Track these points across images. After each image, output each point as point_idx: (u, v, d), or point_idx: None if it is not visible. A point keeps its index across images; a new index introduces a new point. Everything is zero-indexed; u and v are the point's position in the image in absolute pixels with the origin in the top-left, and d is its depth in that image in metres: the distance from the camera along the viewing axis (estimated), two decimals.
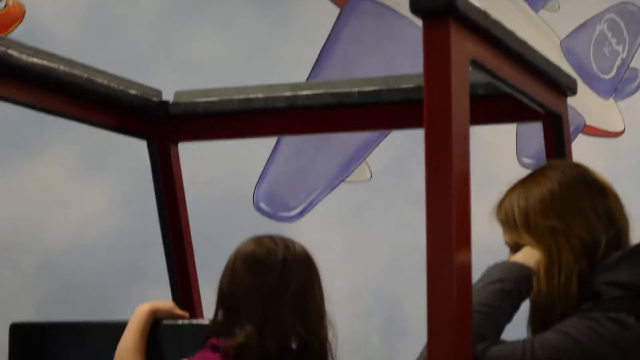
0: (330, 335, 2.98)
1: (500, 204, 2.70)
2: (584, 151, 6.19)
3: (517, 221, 2.63)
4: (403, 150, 5.32)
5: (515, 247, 2.66)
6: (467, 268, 2.40)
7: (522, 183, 2.68)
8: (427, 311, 2.31)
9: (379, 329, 5.19)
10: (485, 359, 2.36)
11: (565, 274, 2.52)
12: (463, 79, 2.45)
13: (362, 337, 5.17)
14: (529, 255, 2.60)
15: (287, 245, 2.93)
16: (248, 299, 2.83)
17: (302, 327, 2.86)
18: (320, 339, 2.91)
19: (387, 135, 5.40)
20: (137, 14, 4.99)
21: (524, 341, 2.42)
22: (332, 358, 2.98)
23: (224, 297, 2.90)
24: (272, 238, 2.96)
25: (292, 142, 5.21)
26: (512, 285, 2.53)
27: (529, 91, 2.97)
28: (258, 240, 2.94)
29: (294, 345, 2.88)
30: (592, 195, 2.58)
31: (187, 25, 5.04)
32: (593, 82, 6.28)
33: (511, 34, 2.75)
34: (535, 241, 2.58)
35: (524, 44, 2.82)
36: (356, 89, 3.40)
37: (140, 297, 3.39)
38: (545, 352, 2.35)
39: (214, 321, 2.92)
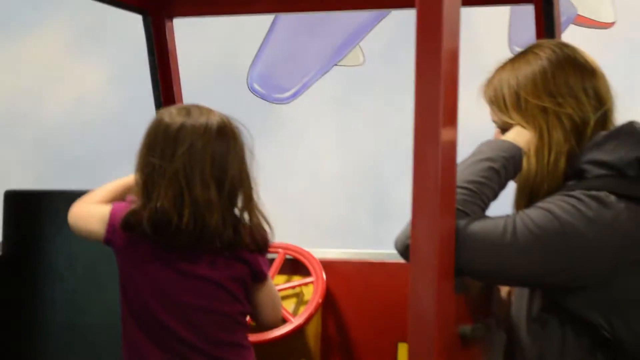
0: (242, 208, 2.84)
1: (489, 83, 2.69)
2: (574, 42, 6.21)
3: (507, 101, 2.63)
4: (397, 36, 5.32)
5: (504, 127, 2.65)
6: (452, 144, 2.43)
7: (512, 62, 2.67)
8: (412, 185, 2.36)
9: (368, 210, 5.23)
10: (467, 233, 2.40)
11: (555, 153, 2.56)
12: None
13: (352, 218, 5.21)
14: (519, 135, 2.62)
15: (202, 115, 2.84)
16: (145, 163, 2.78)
17: (207, 199, 2.74)
18: (228, 212, 2.79)
19: (381, 20, 5.40)
20: None
21: (506, 217, 2.44)
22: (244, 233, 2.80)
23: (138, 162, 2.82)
24: (188, 108, 2.88)
25: (287, 24, 5.17)
26: (501, 163, 2.56)
27: None
28: (177, 109, 2.87)
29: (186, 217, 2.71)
30: (582, 75, 2.60)
31: None
32: None
33: None
34: (525, 121, 2.59)
35: None
36: None
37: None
38: (526, 227, 2.38)
39: (136, 183, 2.84)
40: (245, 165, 2.83)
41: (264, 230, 2.82)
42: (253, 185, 2.85)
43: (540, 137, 2.58)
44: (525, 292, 2.54)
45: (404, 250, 2.42)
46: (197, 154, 2.73)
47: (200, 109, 2.85)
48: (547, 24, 3.21)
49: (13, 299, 3.32)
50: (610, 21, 6.34)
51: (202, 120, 2.78)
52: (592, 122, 2.55)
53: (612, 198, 2.41)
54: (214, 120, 2.78)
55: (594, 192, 2.42)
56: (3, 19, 4.30)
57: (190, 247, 2.74)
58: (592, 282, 2.40)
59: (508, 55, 5.55)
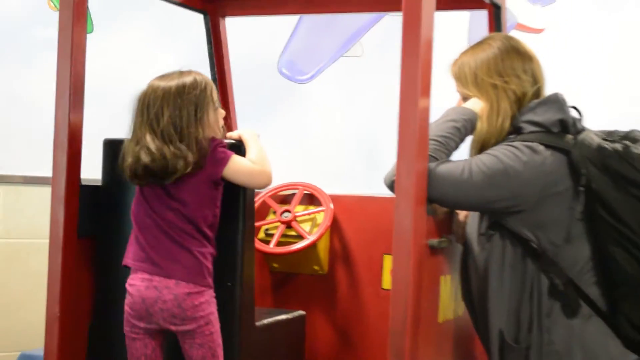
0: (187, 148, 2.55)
1: (455, 64, 2.73)
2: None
3: (467, 78, 2.66)
4: (390, 35, 5.30)
5: (464, 97, 2.70)
6: (426, 110, 2.46)
7: (473, 48, 2.71)
8: (398, 139, 2.42)
9: (362, 161, 5.23)
10: (436, 172, 2.45)
11: (502, 117, 2.60)
12: None
13: (350, 167, 5.21)
14: (475, 104, 2.64)
15: (180, 78, 2.65)
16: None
17: (176, 146, 2.54)
18: (191, 158, 2.54)
19: (378, 21, 5.37)
20: None
21: (464, 160, 2.51)
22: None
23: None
24: (177, 73, 2.67)
25: (308, 23, 5.12)
26: (462, 124, 2.60)
27: None
28: (168, 75, 2.66)
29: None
30: (523, 60, 2.63)
31: None
32: None
33: None
34: (480, 94, 2.63)
35: None
36: None
37: None
38: (479, 168, 2.43)
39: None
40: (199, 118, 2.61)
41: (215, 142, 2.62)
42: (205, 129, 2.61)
43: (491, 106, 2.62)
44: (476, 215, 2.61)
45: (390, 184, 2.44)
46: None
47: (173, 74, 2.67)
48: (497, 27, 3.22)
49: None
50: (540, 28, 6.33)
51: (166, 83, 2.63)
52: (529, 95, 2.60)
53: (541, 147, 2.45)
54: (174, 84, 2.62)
55: (528, 143, 2.46)
56: (102, 18, 4.24)
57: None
58: (524, 208, 2.44)
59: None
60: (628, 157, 2.40)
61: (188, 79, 2.63)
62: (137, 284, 2.57)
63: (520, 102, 2.59)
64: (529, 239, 2.43)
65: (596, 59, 6.60)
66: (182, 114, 2.58)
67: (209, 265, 2.59)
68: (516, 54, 2.65)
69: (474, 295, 2.60)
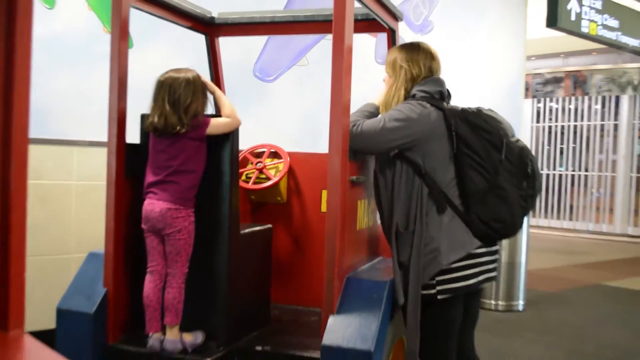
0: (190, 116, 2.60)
1: (390, 53, 2.71)
2: None
3: (390, 62, 2.66)
4: (325, 51, 5.29)
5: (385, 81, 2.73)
6: (348, 99, 2.51)
7: (403, 49, 2.68)
8: (330, 116, 2.46)
9: (308, 132, 5.23)
10: (363, 126, 2.50)
11: (400, 87, 2.61)
12: (351, 9, 2.53)
13: (300, 136, 5.21)
14: (378, 98, 2.74)
15: (184, 72, 2.64)
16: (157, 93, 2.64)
17: (179, 114, 2.58)
18: (185, 123, 2.57)
19: (319, 41, 5.34)
20: None
21: (379, 117, 2.56)
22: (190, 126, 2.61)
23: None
24: (182, 69, 2.67)
25: (273, 42, 5.10)
26: (369, 112, 2.72)
27: (384, 17, 3.04)
28: (178, 70, 2.66)
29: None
30: (426, 57, 2.63)
31: None
32: (411, 25, 6.27)
33: None
34: (392, 71, 2.65)
35: None
36: (303, 14, 3.40)
37: None
38: (389, 118, 2.47)
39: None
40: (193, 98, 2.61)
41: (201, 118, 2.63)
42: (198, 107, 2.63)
43: (395, 79, 2.65)
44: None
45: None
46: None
47: (181, 70, 2.67)
48: (393, 44, 3.22)
49: None
50: None
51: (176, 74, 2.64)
52: (421, 77, 2.61)
53: (428, 105, 2.49)
54: (182, 75, 2.63)
55: (420, 102, 2.50)
56: (138, 38, 4.17)
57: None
58: (417, 143, 2.47)
59: (373, 63, 5.41)
60: (480, 115, 2.50)
61: (192, 74, 2.66)
62: (145, 203, 2.66)
63: (414, 80, 2.60)
64: (419, 163, 2.46)
65: (453, 73, 6.67)
66: (189, 97, 2.61)
67: (188, 193, 2.64)
68: (424, 53, 2.64)
69: (383, 202, 2.59)
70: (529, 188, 2.47)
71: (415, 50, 2.64)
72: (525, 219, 5.72)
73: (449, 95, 2.65)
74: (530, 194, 2.48)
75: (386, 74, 2.70)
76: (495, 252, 2.54)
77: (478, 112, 2.51)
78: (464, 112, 2.50)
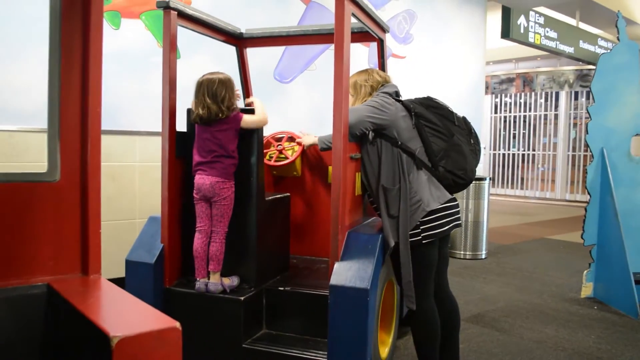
0: (226, 108, 2.59)
1: (351, 78, 2.69)
2: (392, 62, 6.17)
3: (351, 84, 2.66)
4: (329, 59, 5.25)
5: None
6: (347, 97, 2.46)
7: (358, 74, 2.70)
8: (333, 112, 2.42)
9: (316, 122, 5.18)
10: (350, 123, 2.47)
11: (362, 97, 2.63)
12: (348, 24, 2.48)
13: (310, 125, 5.15)
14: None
15: (217, 74, 2.61)
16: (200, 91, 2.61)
17: (218, 104, 2.57)
18: (224, 110, 2.57)
19: (324, 51, 5.28)
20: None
21: (358, 111, 2.51)
22: (230, 113, 2.60)
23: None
24: (215, 72, 2.64)
25: (289, 51, 5.04)
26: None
27: (374, 30, 2.97)
28: (212, 73, 2.63)
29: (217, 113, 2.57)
30: (377, 73, 2.67)
31: (244, 7, 4.82)
32: (396, 38, 6.18)
33: (368, 6, 2.76)
34: (355, 93, 2.66)
35: (373, 12, 2.84)
36: (311, 29, 3.35)
37: None
38: (365, 106, 2.49)
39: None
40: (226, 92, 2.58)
41: (235, 111, 2.62)
42: (231, 98, 2.60)
43: (357, 95, 2.66)
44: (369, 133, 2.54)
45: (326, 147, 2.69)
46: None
47: (214, 72, 2.63)
48: (382, 52, 3.17)
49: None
50: (403, 56, 6.29)
51: (211, 76, 2.61)
52: (378, 86, 2.63)
53: (392, 98, 2.52)
54: (216, 76, 2.60)
55: (384, 96, 2.53)
56: (185, 51, 4.15)
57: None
58: (389, 124, 2.47)
59: (369, 66, 5.35)
60: (431, 99, 2.54)
61: (223, 76, 2.63)
62: (196, 177, 2.63)
63: (374, 90, 2.63)
64: (394, 137, 2.45)
65: (429, 74, 6.62)
66: (223, 91, 2.58)
67: (230, 170, 2.63)
68: (375, 72, 2.69)
69: (369, 172, 2.55)
70: (475, 144, 2.52)
71: (368, 72, 2.69)
72: (486, 188, 5.73)
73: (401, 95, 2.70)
74: (478, 149, 2.54)
75: (350, 95, 2.68)
76: (458, 205, 2.53)
77: (428, 97, 2.57)
78: (419, 98, 2.56)
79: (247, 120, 2.64)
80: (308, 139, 3.11)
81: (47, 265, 1.53)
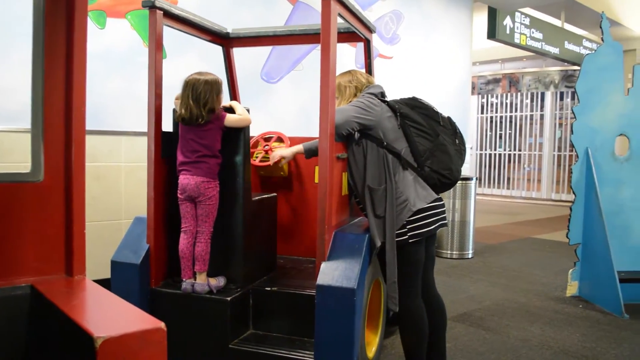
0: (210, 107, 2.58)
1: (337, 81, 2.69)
2: (378, 62, 6.19)
3: (337, 89, 2.65)
4: (316, 59, 5.25)
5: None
6: (333, 96, 2.46)
7: (341, 75, 2.69)
8: (320, 110, 2.42)
9: (303, 122, 5.18)
10: (336, 123, 2.46)
11: (347, 98, 2.62)
12: (334, 24, 2.47)
13: (297, 125, 5.15)
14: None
15: (205, 75, 2.60)
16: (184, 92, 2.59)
17: (200, 107, 2.55)
18: (204, 115, 2.56)
19: (311, 51, 5.27)
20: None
21: (345, 111, 2.50)
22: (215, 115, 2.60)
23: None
24: (204, 72, 2.62)
25: (276, 51, 5.01)
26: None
27: (361, 30, 2.96)
28: (201, 73, 2.61)
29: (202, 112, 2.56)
30: (360, 74, 2.67)
31: (231, 13, 4.79)
32: (383, 38, 6.19)
33: (354, 6, 2.75)
34: (338, 92, 2.66)
35: (359, 12, 2.84)
36: (298, 29, 3.33)
37: None
38: (351, 107, 2.49)
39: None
40: (210, 94, 2.57)
41: (219, 112, 2.62)
42: (214, 102, 2.57)
43: (342, 96, 2.64)
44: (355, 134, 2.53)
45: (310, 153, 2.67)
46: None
47: (203, 72, 2.61)
48: (369, 52, 3.17)
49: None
50: (390, 56, 6.30)
51: (199, 76, 2.59)
52: (362, 87, 2.63)
53: (378, 99, 2.52)
54: (203, 77, 2.58)
55: (369, 97, 2.53)
56: (171, 51, 4.13)
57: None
58: (374, 124, 2.46)
59: (356, 66, 5.31)
60: (417, 99, 2.55)
61: (211, 77, 2.60)
62: (180, 177, 2.62)
63: (358, 90, 2.63)
64: (380, 138, 2.45)
65: (416, 75, 6.65)
66: (207, 94, 2.57)
67: (215, 169, 2.62)
68: (359, 73, 2.69)
69: (355, 173, 2.54)
70: (460, 144, 2.52)
71: (351, 73, 2.69)
72: (473, 188, 5.77)
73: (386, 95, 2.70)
74: (463, 149, 2.53)
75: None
76: (443, 205, 2.53)
77: (413, 98, 2.57)
78: (404, 99, 2.56)
79: (230, 118, 2.63)
80: (290, 150, 2.92)
81: (31, 266, 1.51)
